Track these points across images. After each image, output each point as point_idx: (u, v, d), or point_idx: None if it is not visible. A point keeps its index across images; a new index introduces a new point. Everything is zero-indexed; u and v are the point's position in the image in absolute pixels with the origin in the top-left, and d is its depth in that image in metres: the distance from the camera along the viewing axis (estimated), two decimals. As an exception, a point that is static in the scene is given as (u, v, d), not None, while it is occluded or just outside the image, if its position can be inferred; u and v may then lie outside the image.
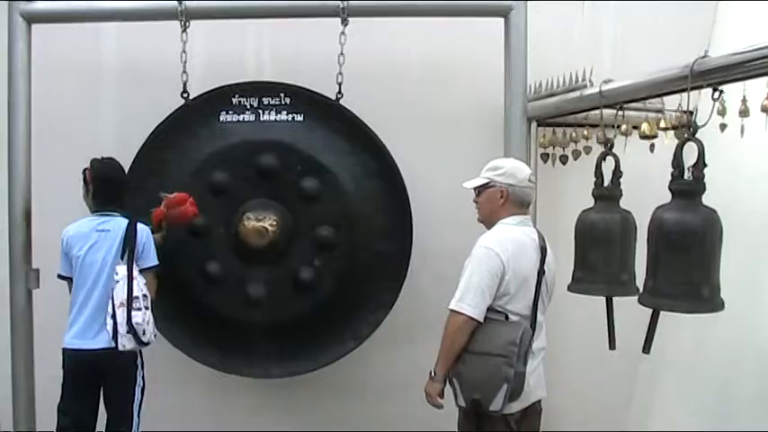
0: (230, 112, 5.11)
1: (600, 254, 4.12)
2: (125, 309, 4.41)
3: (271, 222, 4.95)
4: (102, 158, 4.73)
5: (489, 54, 5.04)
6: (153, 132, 5.13)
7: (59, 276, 4.68)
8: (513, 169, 4.01)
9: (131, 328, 4.42)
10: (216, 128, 5.13)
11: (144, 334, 4.45)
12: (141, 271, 4.55)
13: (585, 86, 4.59)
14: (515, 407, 3.80)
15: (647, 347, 3.76)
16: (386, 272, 5.18)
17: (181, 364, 5.32)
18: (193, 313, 5.21)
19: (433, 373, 3.90)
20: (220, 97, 5.12)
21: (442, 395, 3.89)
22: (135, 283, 4.47)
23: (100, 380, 4.55)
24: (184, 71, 4.99)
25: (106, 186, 4.65)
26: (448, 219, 5.22)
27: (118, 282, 4.45)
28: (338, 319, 5.19)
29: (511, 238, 3.88)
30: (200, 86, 5.19)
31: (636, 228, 4.09)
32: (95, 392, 4.58)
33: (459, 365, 3.80)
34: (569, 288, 4.26)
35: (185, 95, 5.04)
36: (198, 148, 5.13)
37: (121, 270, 4.48)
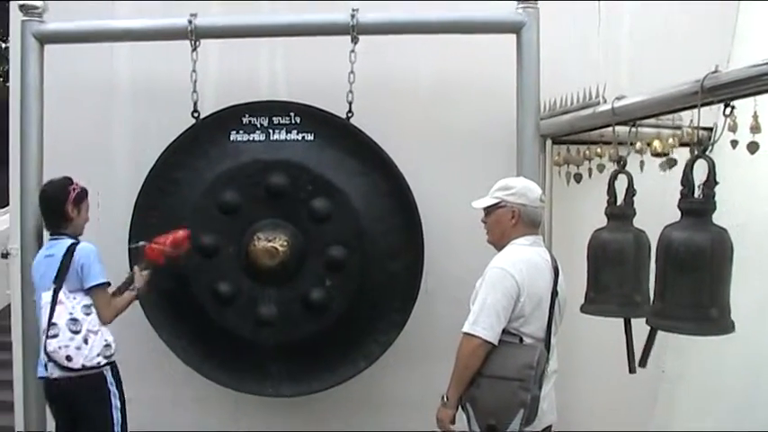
0: (240, 132, 5.09)
1: (613, 274, 4.01)
2: (45, 336, 4.36)
3: (281, 243, 4.92)
4: (51, 180, 4.68)
5: (501, 71, 5.00)
6: (164, 152, 5.12)
7: None
8: (524, 189, 3.94)
9: (48, 357, 4.35)
10: (226, 147, 5.10)
11: (69, 360, 4.32)
12: (87, 291, 4.46)
13: (599, 103, 4.51)
14: None
15: (642, 363, 3.75)
16: (397, 292, 5.13)
17: (195, 380, 5.30)
18: (204, 333, 5.18)
19: (445, 398, 3.80)
20: (231, 116, 5.10)
21: (453, 421, 3.79)
22: (60, 308, 4.37)
23: (67, 407, 4.49)
24: (195, 90, 4.98)
25: (48, 209, 4.61)
26: (460, 238, 5.15)
27: (42, 308, 4.40)
28: (349, 340, 5.14)
29: (525, 259, 3.81)
30: (214, 105, 5.22)
31: (650, 247, 3.98)
32: (67, 420, 4.53)
33: (473, 390, 3.70)
34: (582, 309, 4.17)
35: (196, 115, 5.03)
36: (208, 168, 5.11)
37: (46, 296, 4.40)
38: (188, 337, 5.22)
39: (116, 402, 4.50)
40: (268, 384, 5.22)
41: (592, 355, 5.27)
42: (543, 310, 3.79)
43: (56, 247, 4.49)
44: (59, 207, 4.55)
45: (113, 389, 4.50)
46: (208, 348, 5.24)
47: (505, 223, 3.91)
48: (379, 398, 5.58)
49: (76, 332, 4.35)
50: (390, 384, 5.54)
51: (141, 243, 4.76)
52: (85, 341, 4.37)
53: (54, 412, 4.60)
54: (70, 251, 4.43)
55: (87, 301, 4.46)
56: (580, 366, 5.29)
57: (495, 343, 3.65)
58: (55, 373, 4.37)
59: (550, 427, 3.93)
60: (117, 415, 4.49)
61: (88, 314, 4.43)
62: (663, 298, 3.41)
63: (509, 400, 3.58)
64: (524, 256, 3.83)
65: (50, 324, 4.34)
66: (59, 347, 4.31)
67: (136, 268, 4.74)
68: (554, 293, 3.85)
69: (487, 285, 3.72)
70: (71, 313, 4.37)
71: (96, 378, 4.44)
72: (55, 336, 4.32)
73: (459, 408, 3.79)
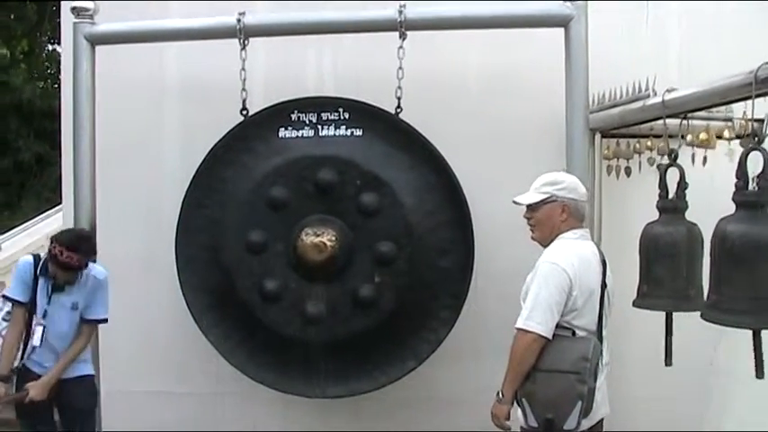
0: (289, 128, 5.12)
1: (665, 268, 3.95)
2: None
3: (329, 237, 4.94)
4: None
5: (550, 65, 4.99)
6: (212, 149, 5.17)
7: None
8: (573, 183, 3.93)
9: None
10: (275, 144, 5.14)
11: None
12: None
13: (648, 96, 4.46)
14: (585, 425, 3.66)
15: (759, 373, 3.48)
16: (447, 288, 5.11)
17: (244, 379, 5.33)
18: (251, 331, 5.21)
19: (500, 395, 3.77)
20: (279, 113, 5.14)
21: (509, 417, 3.79)
22: None
23: None
24: (244, 88, 5.02)
25: None
26: (509, 234, 5.09)
27: None
28: (398, 337, 5.13)
29: (575, 253, 3.78)
30: (262, 103, 5.26)
31: (703, 241, 3.94)
32: None
33: (529, 385, 3.67)
34: (635, 303, 4.12)
35: (244, 112, 5.07)
36: (257, 164, 5.15)
37: None
38: (235, 338, 5.26)
39: None
40: (315, 384, 5.21)
41: (643, 349, 5.23)
42: (594, 302, 3.77)
43: None
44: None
45: None
46: (254, 348, 5.26)
47: (555, 218, 3.87)
48: (428, 396, 5.58)
49: None
50: (440, 383, 5.52)
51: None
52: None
53: None
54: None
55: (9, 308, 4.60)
56: (631, 360, 5.26)
57: (550, 337, 3.64)
58: None
59: (602, 420, 3.92)
60: None
61: (6, 320, 4.59)
62: (718, 291, 3.32)
63: (567, 393, 3.57)
64: (574, 249, 3.81)
65: None
66: None
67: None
68: (603, 286, 3.84)
69: (540, 280, 3.70)
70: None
71: None
72: None
73: (515, 403, 3.78)
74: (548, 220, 3.90)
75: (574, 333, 3.71)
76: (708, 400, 5.48)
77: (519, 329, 3.67)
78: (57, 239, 4.44)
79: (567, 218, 3.87)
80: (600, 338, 3.77)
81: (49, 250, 4.43)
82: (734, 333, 3.56)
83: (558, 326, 3.68)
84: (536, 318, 3.63)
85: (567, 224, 3.87)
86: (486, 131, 5.51)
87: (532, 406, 3.65)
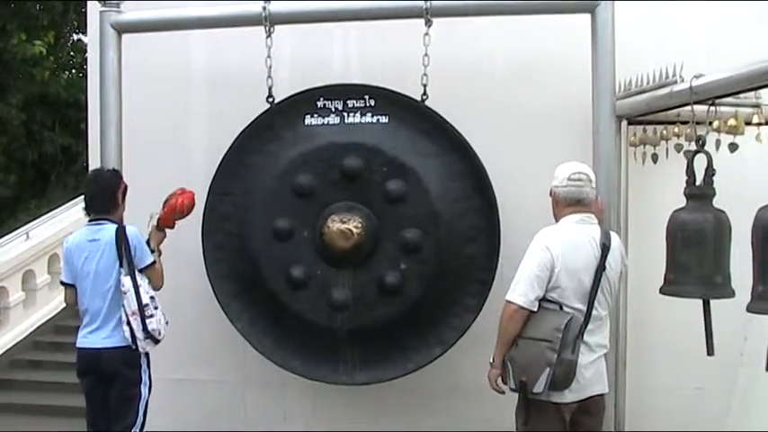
0: (315, 115, 5.14)
1: (692, 255, 3.97)
2: (138, 317, 4.50)
3: (356, 225, 4.94)
4: (102, 168, 4.91)
5: (576, 51, 4.96)
6: (239, 137, 5.20)
7: (62, 282, 4.82)
8: (556, 171, 4.20)
9: (148, 334, 4.54)
10: (301, 131, 5.16)
11: (159, 335, 4.61)
12: (141, 270, 4.60)
13: (676, 82, 4.44)
14: (569, 397, 3.95)
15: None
16: (473, 275, 5.11)
17: (272, 367, 5.34)
18: (278, 317, 5.23)
19: (491, 359, 4.15)
20: (305, 100, 5.15)
21: (505, 381, 4.10)
22: (141, 290, 4.53)
23: (105, 377, 4.60)
24: (269, 76, 5.05)
25: (95, 196, 4.71)
26: (535, 220, 5.09)
27: (126, 293, 4.50)
28: (424, 324, 5.14)
29: (564, 235, 4.05)
30: (288, 90, 5.25)
31: (730, 228, 3.93)
32: (105, 388, 4.63)
33: (513, 350, 4.03)
34: (661, 290, 4.14)
35: (271, 100, 5.09)
36: (283, 152, 5.17)
37: (127, 281, 4.52)
38: (262, 325, 5.29)
39: (147, 381, 4.71)
40: (342, 371, 5.24)
41: (669, 339, 5.22)
42: (582, 283, 3.98)
43: (100, 233, 4.60)
44: (112, 192, 4.69)
45: (147, 368, 4.72)
46: (281, 334, 5.28)
47: (553, 207, 4.23)
48: (454, 385, 5.59)
49: (156, 308, 4.60)
50: (466, 371, 5.49)
51: (156, 214, 4.80)
52: (163, 314, 4.65)
53: (89, 383, 4.70)
54: (122, 236, 4.55)
55: (146, 282, 4.64)
56: (657, 350, 5.25)
57: (531, 309, 3.97)
58: (148, 347, 4.61)
59: (601, 397, 4.11)
60: (145, 392, 4.68)
61: (153, 293, 4.64)
62: (764, 281, 3.30)
63: (538, 359, 3.90)
64: (564, 232, 4.07)
65: (143, 305, 4.52)
66: (157, 325, 4.57)
67: (152, 233, 4.81)
68: (600, 269, 3.98)
69: (526, 257, 4.04)
70: (148, 292, 4.59)
71: (137, 355, 4.65)
72: (151, 315, 4.55)
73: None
74: (553, 210, 4.22)
75: (561, 308, 3.97)
76: (736, 391, 5.46)
77: (506, 301, 4.02)
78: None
79: (555, 204, 4.19)
80: (588, 317, 3.96)
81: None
82: (764, 323, 3.55)
83: (547, 300, 3.99)
84: (518, 290, 3.98)
85: (560, 209, 4.17)
86: (511, 118, 5.49)
87: (513, 369, 4.02)
